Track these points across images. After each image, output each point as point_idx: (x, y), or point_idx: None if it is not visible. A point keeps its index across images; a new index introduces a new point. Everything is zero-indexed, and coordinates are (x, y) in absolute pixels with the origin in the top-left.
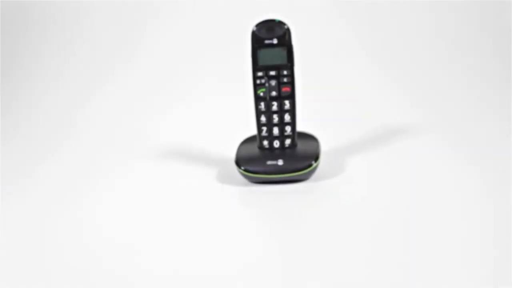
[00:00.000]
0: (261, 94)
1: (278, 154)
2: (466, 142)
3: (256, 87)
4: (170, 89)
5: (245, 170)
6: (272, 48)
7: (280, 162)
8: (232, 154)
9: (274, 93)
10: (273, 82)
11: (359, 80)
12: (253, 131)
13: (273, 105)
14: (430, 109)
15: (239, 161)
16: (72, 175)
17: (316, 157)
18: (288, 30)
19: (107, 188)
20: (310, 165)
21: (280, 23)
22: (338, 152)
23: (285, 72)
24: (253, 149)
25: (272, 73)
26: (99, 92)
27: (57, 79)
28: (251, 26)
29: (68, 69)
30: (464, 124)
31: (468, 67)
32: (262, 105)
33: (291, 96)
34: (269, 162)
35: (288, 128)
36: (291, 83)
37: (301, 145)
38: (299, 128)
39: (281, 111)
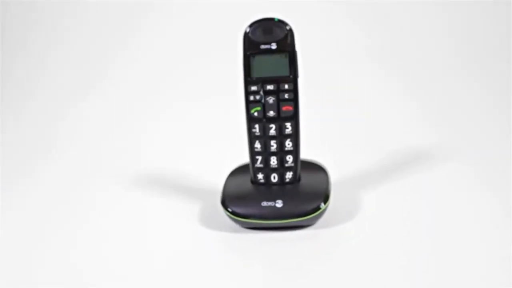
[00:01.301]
0: (256, 113)
1: (277, 192)
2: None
3: (249, 104)
4: (152, 103)
5: (233, 213)
6: (270, 55)
7: (279, 204)
8: (221, 185)
9: (272, 113)
10: (270, 99)
11: (369, 91)
12: (246, 157)
13: (270, 128)
14: (447, 126)
15: (226, 201)
16: (42, 203)
17: (325, 197)
18: (290, 31)
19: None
20: (318, 208)
21: (280, 23)
22: (349, 184)
23: (286, 86)
24: (245, 183)
25: (270, 87)
26: (74, 110)
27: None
28: (243, 27)
29: (46, 84)
30: (483, 143)
31: (484, 71)
32: (257, 128)
33: (294, 117)
34: (264, 203)
35: (289, 158)
36: (294, 100)
37: (306, 180)
38: (302, 154)
39: (280, 136)
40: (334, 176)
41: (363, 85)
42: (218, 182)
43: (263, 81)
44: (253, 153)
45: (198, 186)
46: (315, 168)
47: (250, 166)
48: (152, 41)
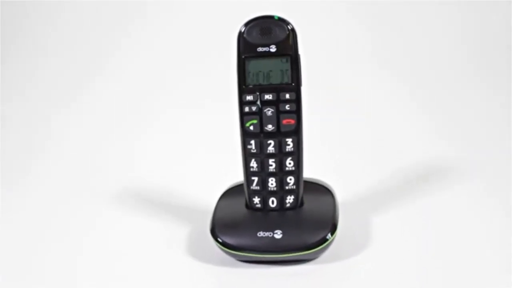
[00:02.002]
0: (251, 127)
1: (276, 220)
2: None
3: (243, 117)
4: (139, 113)
5: (224, 244)
6: (268, 59)
7: (278, 234)
8: (212, 206)
9: (270, 127)
10: (269, 111)
11: (370, 92)
12: (241, 175)
13: (269, 144)
14: (454, 126)
15: (216, 230)
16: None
17: (333, 227)
18: (292, 31)
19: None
20: (324, 240)
21: (281, 21)
22: (356, 207)
23: (287, 96)
24: (238, 208)
25: (268, 96)
26: (59, 118)
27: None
28: (238, 26)
29: (29, 94)
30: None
31: (489, 71)
32: (253, 144)
33: (296, 132)
34: (261, 234)
35: (290, 179)
36: (297, 113)
37: (310, 205)
38: (305, 173)
39: (280, 154)
40: (338, 197)
41: (363, 86)
42: (210, 201)
43: (260, 90)
44: (248, 173)
45: (187, 206)
46: (320, 190)
47: (245, 188)
48: (138, 44)
